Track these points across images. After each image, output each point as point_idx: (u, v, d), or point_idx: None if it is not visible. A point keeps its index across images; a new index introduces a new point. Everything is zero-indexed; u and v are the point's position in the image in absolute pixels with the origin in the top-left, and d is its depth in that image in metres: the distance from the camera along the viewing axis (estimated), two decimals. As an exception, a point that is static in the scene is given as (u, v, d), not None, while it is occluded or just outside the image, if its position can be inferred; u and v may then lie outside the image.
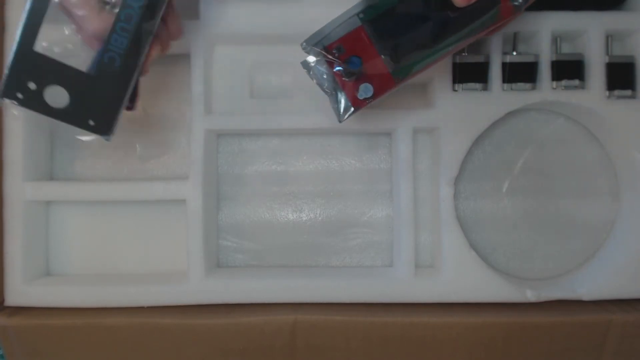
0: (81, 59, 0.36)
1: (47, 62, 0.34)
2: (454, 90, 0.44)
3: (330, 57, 0.35)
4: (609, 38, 0.44)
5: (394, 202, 0.47)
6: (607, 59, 0.44)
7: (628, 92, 0.44)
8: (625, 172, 0.46)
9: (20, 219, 0.44)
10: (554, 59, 0.44)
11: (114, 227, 0.48)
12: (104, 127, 0.36)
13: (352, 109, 0.36)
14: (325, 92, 0.36)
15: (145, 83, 0.48)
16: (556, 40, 0.44)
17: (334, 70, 0.35)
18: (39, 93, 0.34)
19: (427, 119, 0.44)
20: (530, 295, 0.43)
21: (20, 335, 0.42)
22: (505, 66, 0.44)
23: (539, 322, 0.41)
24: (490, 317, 0.42)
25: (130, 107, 0.38)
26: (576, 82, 0.43)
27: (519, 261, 0.47)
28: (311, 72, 0.36)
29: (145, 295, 0.44)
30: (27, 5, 0.33)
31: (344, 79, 0.35)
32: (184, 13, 0.47)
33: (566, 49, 0.45)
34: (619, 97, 0.44)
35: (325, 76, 0.36)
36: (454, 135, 0.44)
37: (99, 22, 0.34)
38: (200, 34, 0.44)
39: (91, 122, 0.36)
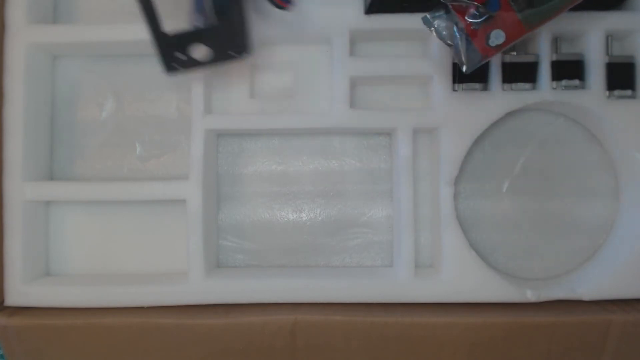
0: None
1: (178, 35, 0.39)
2: (454, 90, 0.44)
3: (466, 1, 0.35)
4: (609, 38, 0.44)
5: (394, 202, 0.47)
6: (607, 59, 0.44)
7: (628, 92, 0.44)
8: (625, 172, 0.46)
9: (20, 219, 0.44)
10: (554, 59, 0.44)
11: (114, 227, 0.48)
12: (241, 49, 0.40)
13: (482, 57, 0.37)
14: (448, 45, 0.37)
15: (145, 82, 0.49)
16: (556, 40, 0.44)
17: (466, 20, 0.36)
18: (188, 57, 0.40)
19: (427, 119, 0.44)
20: (530, 295, 0.43)
21: (20, 335, 0.42)
22: (505, 66, 0.44)
23: (539, 322, 0.41)
24: (490, 317, 0.42)
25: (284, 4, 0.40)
26: (576, 82, 0.43)
27: (519, 261, 0.47)
28: (432, 28, 0.37)
29: (145, 295, 0.44)
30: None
31: (473, 28, 0.36)
32: (184, 13, 0.47)
33: (566, 49, 0.45)
34: (619, 97, 0.44)
35: (444, 32, 0.37)
36: (454, 135, 0.44)
37: None
38: (200, 34, 0.44)
39: (231, 53, 0.40)
